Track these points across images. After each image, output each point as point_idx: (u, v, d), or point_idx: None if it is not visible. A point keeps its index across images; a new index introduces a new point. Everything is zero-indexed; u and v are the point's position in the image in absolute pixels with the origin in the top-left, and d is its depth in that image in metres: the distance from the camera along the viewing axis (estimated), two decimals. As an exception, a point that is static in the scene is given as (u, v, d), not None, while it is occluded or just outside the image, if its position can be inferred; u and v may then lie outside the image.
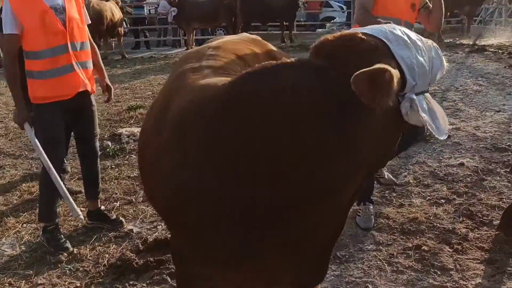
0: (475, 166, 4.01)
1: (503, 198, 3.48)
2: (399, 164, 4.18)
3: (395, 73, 1.19)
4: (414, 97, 1.30)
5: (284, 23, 12.24)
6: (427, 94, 1.39)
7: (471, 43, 10.29)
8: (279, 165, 1.28)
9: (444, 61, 1.45)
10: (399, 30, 1.36)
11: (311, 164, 1.27)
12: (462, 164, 4.04)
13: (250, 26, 11.63)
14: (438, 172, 3.96)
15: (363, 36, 1.31)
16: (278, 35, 12.32)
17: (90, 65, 3.04)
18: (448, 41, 10.78)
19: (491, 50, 8.72)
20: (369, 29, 1.37)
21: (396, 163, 4.21)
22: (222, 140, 1.33)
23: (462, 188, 3.65)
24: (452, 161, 4.16)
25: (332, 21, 16.08)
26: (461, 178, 3.82)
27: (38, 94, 2.86)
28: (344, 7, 16.08)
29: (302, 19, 14.86)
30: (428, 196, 3.60)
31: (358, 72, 1.14)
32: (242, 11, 11.27)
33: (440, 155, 4.29)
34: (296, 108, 1.26)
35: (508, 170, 3.89)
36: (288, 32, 12.34)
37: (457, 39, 11.19)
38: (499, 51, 8.61)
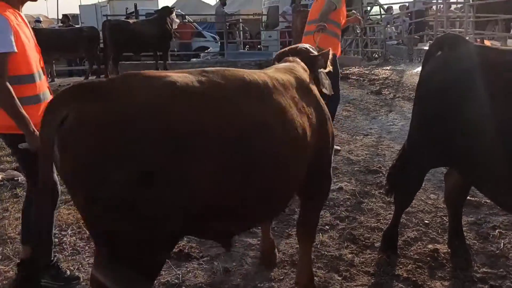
0: (352, 189, 4.18)
1: (380, 219, 3.63)
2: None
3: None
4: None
5: (158, 53, 12.02)
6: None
7: (336, 71, 11.07)
8: None
9: None
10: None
11: None
12: (341, 189, 4.18)
13: (121, 56, 11.18)
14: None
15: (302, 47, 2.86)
16: (153, 65, 12.04)
17: None
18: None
19: (353, 78, 9.45)
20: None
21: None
22: None
23: (343, 213, 3.75)
24: (332, 186, 4.27)
25: (206, 50, 16.26)
26: (341, 203, 3.93)
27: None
28: (217, 37, 16.39)
29: (175, 49, 14.79)
30: (313, 223, 3.62)
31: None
32: (111, 41, 10.75)
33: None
34: None
35: (381, 191, 4.11)
36: (162, 62, 12.13)
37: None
38: (361, 78, 9.39)
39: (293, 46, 3.05)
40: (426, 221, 3.58)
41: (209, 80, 1.81)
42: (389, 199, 3.93)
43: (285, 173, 1.98)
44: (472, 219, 3.57)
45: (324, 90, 2.60)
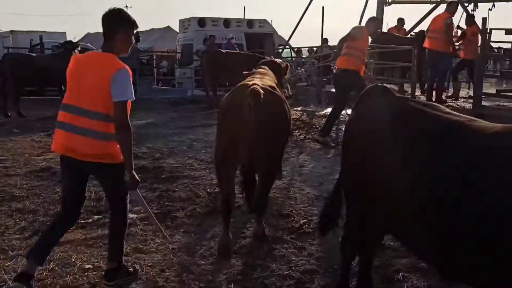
0: (267, 235, 4.15)
1: (292, 266, 3.63)
2: (194, 241, 4.05)
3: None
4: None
5: (64, 88, 11.44)
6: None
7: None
8: None
9: None
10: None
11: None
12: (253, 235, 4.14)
13: (22, 91, 10.46)
14: (233, 246, 3.95)
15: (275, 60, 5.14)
16: (59, 100, 11.41)
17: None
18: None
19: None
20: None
21: (191, 240, 4.07)
22: None
23: (256, 261, 3.70)
24: (245, 232, 4.24)
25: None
26: (254, 250, 3.88)
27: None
28: (130, 73, 16.07)
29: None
30: (225, 272, 3.52)
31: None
32: (11, 75, 10.02)
33: (233, 227, 4.28)
34: None
35: (293, 236, 4.14)
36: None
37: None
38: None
39: (269, 59, 5.54)
40: (336, 266, 3.63)
41: None
42: (300, 244, 3.99)
43: None
44: (377, 262, 3.68)
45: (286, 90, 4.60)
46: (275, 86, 4.14)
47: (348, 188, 2.90)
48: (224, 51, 12.83)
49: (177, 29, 19.22)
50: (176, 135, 8.25)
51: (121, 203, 3.28)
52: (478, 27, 10.15)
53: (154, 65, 17.99)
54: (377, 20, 7.81)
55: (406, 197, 2.26)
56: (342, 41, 7.29)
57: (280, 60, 5.23)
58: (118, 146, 3.03)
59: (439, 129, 2.24)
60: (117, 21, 3.10)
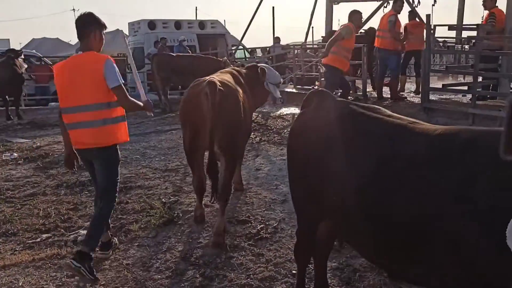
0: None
1: (250, 274, 3.58)
2: (149, 255, 3.93)
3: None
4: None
5: (8, 98, 10.92)
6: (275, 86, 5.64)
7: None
8: None
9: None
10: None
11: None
12: (210, 244, 4.06)
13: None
14: (189, 257, 3.87)
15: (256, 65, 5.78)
16: (2, 112, 10.91)
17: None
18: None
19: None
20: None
21: (146, 254, 3.96)
22: None
23: (213, 271, 3.63)
24: (202, 241, 4.15)
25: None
26: (211, 260, 3.81)
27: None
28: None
29: (31, 93, 13.63)
30: (182, 286, 3.44)
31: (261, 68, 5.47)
32: None
33: (189, 237, 4.24)
34: None
35: (251, 242, 4.09)
36: (14, 108, 11.05)
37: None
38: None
39: (250, 64, 6.15)
40: (294, 271, 3.62)
41: None
42: (258, 251, 3.95)
43: None
44: (335, 264, 3.71)
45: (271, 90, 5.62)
46: (233, 82, 4.65)
47: (295, 194, 2.88)
48: (175, 54, 12.64)
49: (127, 32, 18.77)
50: (128, 143, 7.94)
51: (111, 193, 3.70)
52: (421, 20, 10.51)
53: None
54: (360, 13, 7.94)
55: (350, 201, 2.26)
56: (333, 41, 7.50)
57: (261, 65, 5.86)
58: (115, 129, 3.60)
59: (381, 132, 2.25)
60: (89, 24, 3.59)
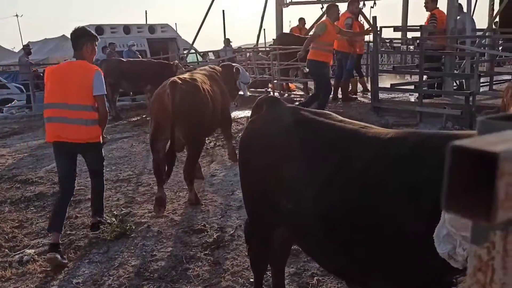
0: (177, 254, 3.98)
1: (207, 285, 3.50)
2: (101, 271, 3.77)
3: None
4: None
5: None
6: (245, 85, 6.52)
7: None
8: None
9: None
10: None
11: None
12: (165, 257, 3.94)
13: None
14: (144, 271, 3.74)
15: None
16: None
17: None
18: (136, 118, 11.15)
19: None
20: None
21: (97, 271, 3.79)
22: None
23: (169, 285, 3.52)
24: (156, 254, 4.03)
25: (10, 103, 14.59)
26: (166, 273, 3.69)
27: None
28: (23, 88, 14.88)
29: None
30: (137, 303, 3.31)
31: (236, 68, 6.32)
32: None
33: (143, 250, 4.10)
34: None
35: (207, 252, 4.01)
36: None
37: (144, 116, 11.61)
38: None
39: (225, 63, 6.93)
40: (252, 280, 3.57)
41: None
42: (215, 260, 3.87)
43: None
44: (293, 269, 3.68)
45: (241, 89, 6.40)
46: (204, 79, 5.32)
47: (248, 203, 2.83)
48: (124, 59, 12.31)
49: (73, 38, 18.14)
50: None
51: (100, 174, 4.46)
52: (363, 23, 10.80)
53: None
54: (336, 6, 8.30)
55: (305, 207, 2.24)
56: (309, 41, 7.92)
57: (235, 64, 6.57)
58: (99, 128, 4.17)
59: (334, 138, 2.24)
60: (82, 36, 4.16)
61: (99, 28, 16.16)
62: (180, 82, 4.87)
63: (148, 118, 10.60)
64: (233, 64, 6.89)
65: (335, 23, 8.13)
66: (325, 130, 2.29)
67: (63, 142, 4.06)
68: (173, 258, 3.93)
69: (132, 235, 4.39)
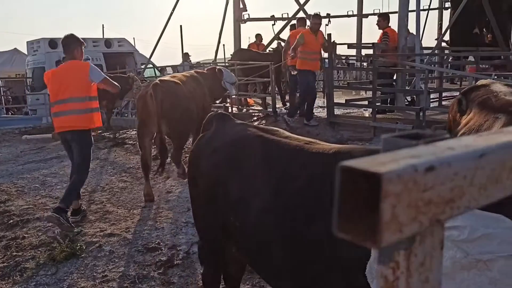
0: (131, 274, 3.87)
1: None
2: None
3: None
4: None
5: None
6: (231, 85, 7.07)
7: (111, 136, 10.49)
8: None
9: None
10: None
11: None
12: (117, 277, 3.83)
13: None
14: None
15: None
16: None
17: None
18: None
19: (130, 142, 9.20)
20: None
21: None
22: None
23: (120, 306, 3.41)
24: (108, 275, 3.89)
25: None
26: (118, 294, 3.58)
27: None
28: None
29: None
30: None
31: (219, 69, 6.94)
32: None
33: (93, 271, 3.96)
34: None
35: (160, 271, 3.92)
36: None
37: (99, 131, 11.25)
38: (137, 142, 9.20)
39: (211, 66, 7.71)
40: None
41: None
42: (169, 279, 3.79)
43: None
44: (248, 285, 3.66)
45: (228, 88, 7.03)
46: (186, 81, 6.04)
47: (198, 222, 2.80)
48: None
49: (25, 51, 17.58)
50: (27, 172, 7.40)
51: (85, 162, 4.91)
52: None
53: (1, 92, 16.19)
54: (319, 16, 8.80)
55: (250, 225, 2.23)
56: (294, 49, 8.39)
57: (218, 66, 7.24)
58: (94, 116, 4.95)
59: (279, 154, 2.25)
60: (73, 43, 4.94)
61: (53, 42, 15.75)
62: (161, 83, 5.62)
63: (102, 134, 10.38)
64: (216, 66, 7.50)
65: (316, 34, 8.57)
66: (271, 147, 2.30)
67: (62, 132, 4.87)
68: (125, 278, 3.82)
69: (83, 255, 4.23)
